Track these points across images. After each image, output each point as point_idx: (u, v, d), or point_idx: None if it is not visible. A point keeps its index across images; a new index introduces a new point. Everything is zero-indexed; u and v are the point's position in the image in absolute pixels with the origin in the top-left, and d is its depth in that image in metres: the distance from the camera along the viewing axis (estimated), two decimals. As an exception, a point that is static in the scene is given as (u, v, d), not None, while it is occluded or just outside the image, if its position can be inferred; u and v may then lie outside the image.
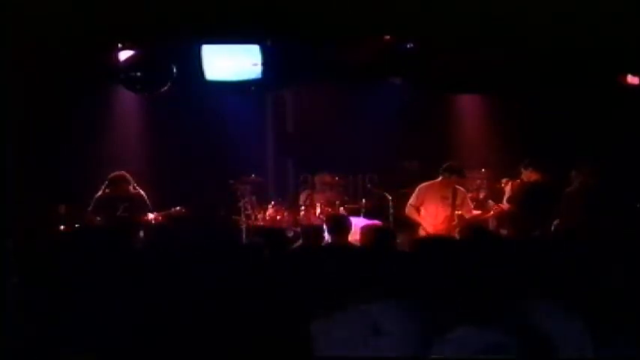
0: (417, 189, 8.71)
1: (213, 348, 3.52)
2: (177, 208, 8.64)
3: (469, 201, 8.86)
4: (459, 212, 8.56)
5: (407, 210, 8.71)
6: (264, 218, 9.44)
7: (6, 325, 3.54)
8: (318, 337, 3.36)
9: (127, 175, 8.65)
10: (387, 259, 4.45)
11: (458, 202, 8.58)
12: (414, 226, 8.74)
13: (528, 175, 8.82)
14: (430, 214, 8.56)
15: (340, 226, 6.47)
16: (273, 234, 6.21)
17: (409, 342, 3.25)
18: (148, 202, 8.63)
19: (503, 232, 8.69)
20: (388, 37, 9.57)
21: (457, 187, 8.63)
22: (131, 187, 8.61)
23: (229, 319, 3.56)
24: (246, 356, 3.42)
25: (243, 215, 9.50)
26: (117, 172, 8.69)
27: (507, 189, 9.04)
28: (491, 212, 9.00)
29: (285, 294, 3.84)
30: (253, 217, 9.49)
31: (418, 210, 8.62)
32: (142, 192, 8.67)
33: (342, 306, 3.49)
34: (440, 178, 8.66)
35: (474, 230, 6.58)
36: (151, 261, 4.59)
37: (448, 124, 10.98)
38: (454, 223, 8.42)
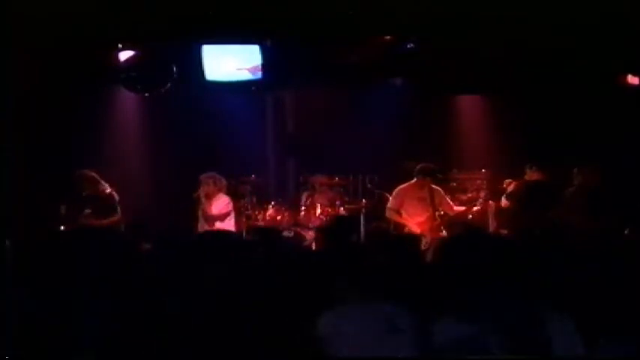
0: (395, 192, 8.83)
1: (215, 347, 3.52)
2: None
3: (448, 199, 8.97)
4: (441, 211, 8.65)
5: (387, 213, 8.79)
6: (264, 218, 9.44)
7: (5, 326, 3.54)
8: (327, 331, 3.36)
9: (90, 174, 8.30)
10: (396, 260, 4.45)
11: (436, 201, 8.67)
12: (401, 227, 8.78)
13: (530, 175, 8.86)
14: (411, 215, 8.65)
15: (342, 227, 6.49)
16: (269, 233, 6.18)
17: (423, 340, 3.25)
18: (115, 203, 8.29)
19: (503, 232, 8.71)
20: (388, 37, 9.57)
21: (433, 187, 8.71)
22: (100, 187, 8.26)
23: (232, 319, 3.56)
24: (251, 355, 3.41)
25: (243, 215, 9.49)
26: (80, 171, 8.34)
27: (510, 189, 9.08)
28: (476, 207, 9.06)
29: (290, 292, 3.83)
30: (253, 217, 9.49)
31: (399, 212, 8.69)
32: (113, 192, 8.33)
33: (353, 302, 3.50)
34: (415, 180, 8.72)
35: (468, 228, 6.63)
36: (152, 261, 4.58)
37: (448, 124, 10.98)
38: (437, 222, 8.51)
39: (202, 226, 8.47)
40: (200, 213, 8.75)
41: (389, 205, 8.82)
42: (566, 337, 3.02)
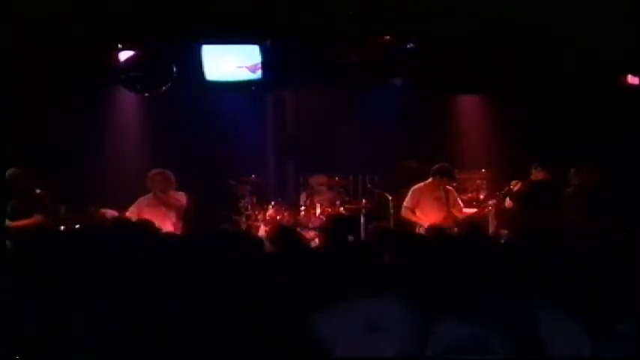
0: (411, 191, 8.86)
1: (215, 347, 3.52)
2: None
3: (459, 200, 8.99)
4: (452, 212, 8.69)
5: (403, 212, 8.84)
6: (264, 219, 9.43)
7: (5, 326, 3.54)
8: (319, 327, 3.37)
9: (15, 171, 7.66)
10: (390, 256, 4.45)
11: (450, 201, 8.71)
12: (413, 225, 8.79)
13: (536, 175, 8.86)
14: (426, 214, 8.69)
15: (341, 227, 6.48)
16: (287, 234, 6.14)
17: (404, 339, 3.25)
18: (43, 204, 7.76)
19: (504, 232, 8.70)
20: (388, 37, 9.57)
21: (447, 187, 8.76)
22: (21, 187, 7.63)
23: (231, 318, 3.56)
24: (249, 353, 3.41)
25: (243, 215, 9.49)
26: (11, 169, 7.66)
27: (515, 189, 9.07)
28: (489, 209, 9.05)
29: (288, 290, 3.84)
30: (253, 218, 9.48)
31: (413, 211, 8.73)
32: (42, 193, 7.80)
33: (341, 300, 3.51)
34: (430, 180, 8.76)
35: (471, 229, 6.63)
36: (151, 261, 4.58)
37: (448, 124, 10.97)
38: (452, 223, 8.53)
39: (161, 220, 8.13)
40: (148, 204, 8.51)
41: (405, 203, 8.84)
42: (566, 337, 3.02)
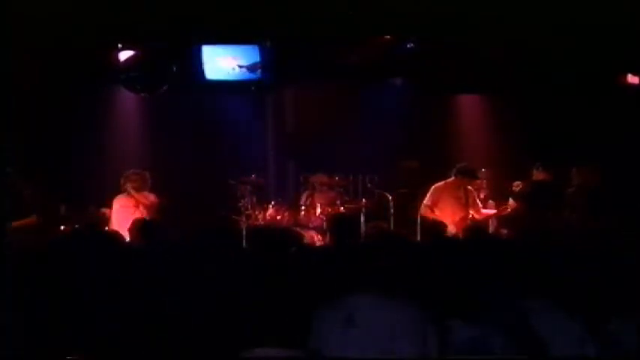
0: (432, 189, 8.78)
1: (213, 346, 3.52)
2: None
3: (478, 201, 8.94)
4: (471, 212, 8.65)
5: (422, 210, 8.76)
6: (264, 218, 9.43)
7: (5, 325, 3.54)
8: (314, 324, 3.38)
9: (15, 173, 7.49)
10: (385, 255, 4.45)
11: (470, 202, 8.67)
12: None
13: (537, 175, 8.86)
14: (446, 214, 8.64)
15: (342, 226, 6.47)
16: (276, 234, 6.14)
17: (381, 337, 3.25)
18: (40, 205, 7.51)
19: (503, 232, 8.70)
20: (388, 37, 9.57)
21: (468, 187, 8.72)
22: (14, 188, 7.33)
23: (231, 318, 3.56)
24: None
25: (243, 215, 9.48)
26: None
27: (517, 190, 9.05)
28: (507, 210, 9.01)
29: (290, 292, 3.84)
30: (253, 217, 9.48)
31: (432, 210, 8.68)
32: (26, 194, 7.42)
33: (332, 299, 3.51)
34: (452, 179, 8.71)
35: (474, 230, 6.63)
36: (151, 261, 4.58)
37: (448, 124, 10.98)
38: (468, 223, 8.49)
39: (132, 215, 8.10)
40: (121, 204, 8.55)
41: (425, 201, 8.76)
42: (566, 337, 3.02)
